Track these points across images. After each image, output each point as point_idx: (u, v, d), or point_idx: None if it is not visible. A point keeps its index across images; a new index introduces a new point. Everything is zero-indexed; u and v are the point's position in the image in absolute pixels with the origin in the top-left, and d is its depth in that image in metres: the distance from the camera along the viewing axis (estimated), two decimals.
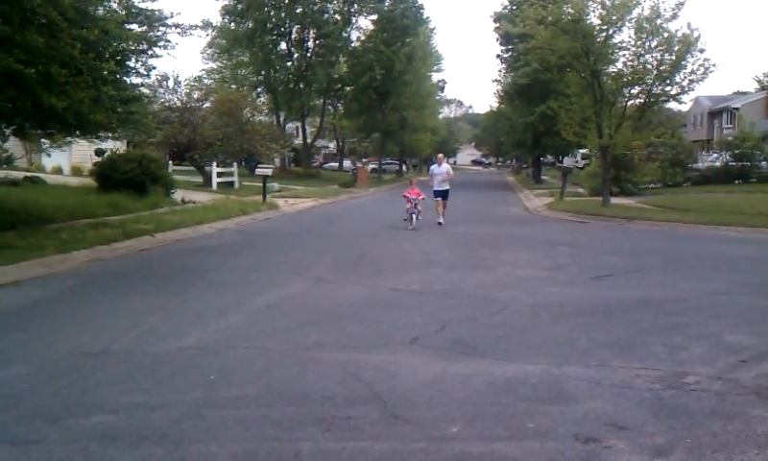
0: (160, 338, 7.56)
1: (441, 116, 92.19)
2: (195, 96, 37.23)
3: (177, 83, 36.61)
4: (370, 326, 8.28)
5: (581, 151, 59.63)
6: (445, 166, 22.29)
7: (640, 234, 19.07)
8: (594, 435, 4.83)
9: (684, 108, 57.96)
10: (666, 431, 4.92)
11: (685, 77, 25.96)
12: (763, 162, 39.67)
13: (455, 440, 4.78)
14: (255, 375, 6.30)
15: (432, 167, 23.38)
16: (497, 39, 56.79)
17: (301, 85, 55.88)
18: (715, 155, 44.08)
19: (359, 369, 6.39)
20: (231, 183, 35.27)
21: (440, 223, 20.71)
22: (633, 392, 5.80)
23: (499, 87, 60.47)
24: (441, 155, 24.40)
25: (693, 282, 11.17)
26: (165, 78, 35.46)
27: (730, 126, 56.24)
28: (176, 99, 36.34)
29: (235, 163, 37.75)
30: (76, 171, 35.00)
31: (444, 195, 21.54)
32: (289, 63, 56.25)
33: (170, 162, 34.63)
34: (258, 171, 30.58)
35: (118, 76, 16.10)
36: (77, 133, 17.47)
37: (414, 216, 19.84)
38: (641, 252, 15.04)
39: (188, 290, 10.43)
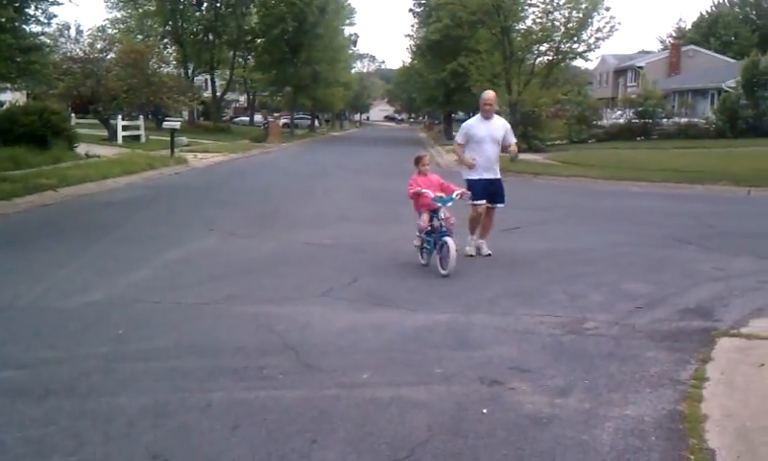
0: (67, 293, 7.40)
1: (353, 71, 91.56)
2: (98, 46, 35.89)
3: (79, 32, 35.23)
4: (283, 279, 8.32)
5: None
6: (501, 123, 10.21)
7: (547, 189, 19.63)
8: (498, 378, 5.04)
9: (591, 66, 59.38)
10: (566, 373, 5.19)
11: (592, 34, 26.73)
12: (664, 120, 41.21)
13: (366, 386, 4.92)
14: (166, 328, 6.27)
15: (469, 123, 10.30)
16: None
17: (211, 37, 54.51)
18: (619, 112, 45.48)
19: (271, 321, 6.44)
20: (138, 137, 34.24)
21: (482, 252, 9.83)
22: (535, 337, 6.06)
23: (412, 43, 60.58)
24: (490, 93, 10.15)
25: (596, 234, 11.63)
26: (66, 27, 34.08)
27: (634, 84, 58.01)
28: (78, 49, 34.95)
29: (141, 116, 36.66)
30: None
31: (494, 192, 9.96)
32: (198, 13, 54.71)
33: (73, 115, 33.33)
34: (166, 124, 29.91)
35: (17, 23, 15.37)
36: None
37: (441, 245, 8.47)
38: (548, 206, 15.51)
39: (95, 245, 10.19)
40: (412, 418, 4.38)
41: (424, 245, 8.86)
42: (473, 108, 56.66)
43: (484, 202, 9.78)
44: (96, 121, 35.56)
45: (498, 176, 10.01)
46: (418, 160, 9.29)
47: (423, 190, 8.72)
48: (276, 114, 65.82)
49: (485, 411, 4.47)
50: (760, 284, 8.05)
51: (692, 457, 3.88)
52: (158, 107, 39.92)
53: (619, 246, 10.62)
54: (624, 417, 4.42)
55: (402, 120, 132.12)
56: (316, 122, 75.77)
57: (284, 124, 60.61)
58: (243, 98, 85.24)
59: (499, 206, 10.03)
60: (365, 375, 5.12)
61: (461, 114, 66.62)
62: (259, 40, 57.56)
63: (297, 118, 67.42)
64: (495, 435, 4.16)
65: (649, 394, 4.84)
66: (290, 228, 12.10)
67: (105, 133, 33.78)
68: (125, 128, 33.24)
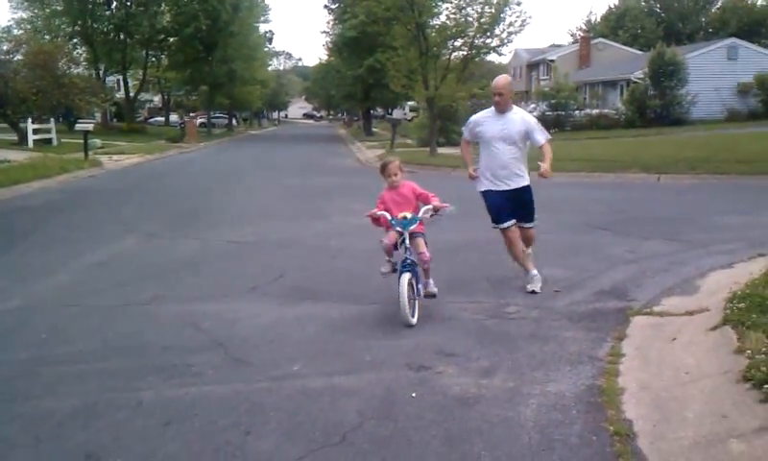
0: None
1: (270, 69, 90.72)
2: (4, 48, 34.61)
3: None
4: (207, 277, 8.28)
5: (409, 103, 61.03)
6: (520, 117, 7.38)
7: (466, 182, 19.89)
8: (426, 363, 5.18)
9: (505, 60, 60.83)
10: (490, 355, 5.37)
11: (504, 29, 27.19)
12: (576, 111, 42.39)
13: (296, 377, 4.98)
14: (90, 331, 6.18)
15: (477, 118, 7.70)
16: None
17: (122, 36, 53.25)
18: (533, 105, 46.52)
19: (198, 319, 6.43)
20: (49, 141, 33.22)
21: (532, 290, 7.27)
22: (460, 323, 6.24)
23: (328, 40, 60.38)
24: (501, 79, 7.40)
25: None
26: None
27: (546, 77, 59.41)
28: None
29: (53, 119, 35.56)
30: None
31: (517, 206, 7.51)
32: (108, 12, 53.35)
33: None
34: (79, 126, 29.11)
35: None
36: None
37: (408, 276, 6.16)
38: (467, 198, 15.74)
39: (10, 251, 9.92)
40: (343, 405, 4.47)
41: (386, 271, 6.63)
42: (392, 103, 57.25)
43: (511, 223, 7.42)
44: (5, 125, 34.32)
45: (520, 184, 7.39)
46: (383, 169, 6.72)
47: (379, 213, 6.54)
48: (192, 114, 64.65)
49: (414, 395, 4.59)
50: (670, 265, 8.43)
51: (611, 428, 4.09)
52: (70, 109, 38.75)
53: (538, 233, 10.91)
54: (546, 393, 4.62)
55: (321, 117, 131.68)
56: (234, 121, 74.81)
57: (201, 123, 59.73)
58: (157, 98, 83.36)
59: (526, 225, 7.55)
60: (295, 366, 5.18)
61: (379, 110, 67.06)
62: (172, 39, 56.44)
63: (214, 117, 66.43)
64: (425, 417, 4.29)
65: (569, 371, 5.05)
66: (212, 227, 12.00)
67: (15, 137, 32.66)
68: (36, 131, 32.21)
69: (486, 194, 7.60)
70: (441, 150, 28.90)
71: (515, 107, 7.43)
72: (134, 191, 18.18)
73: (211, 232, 11.39)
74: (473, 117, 7.76)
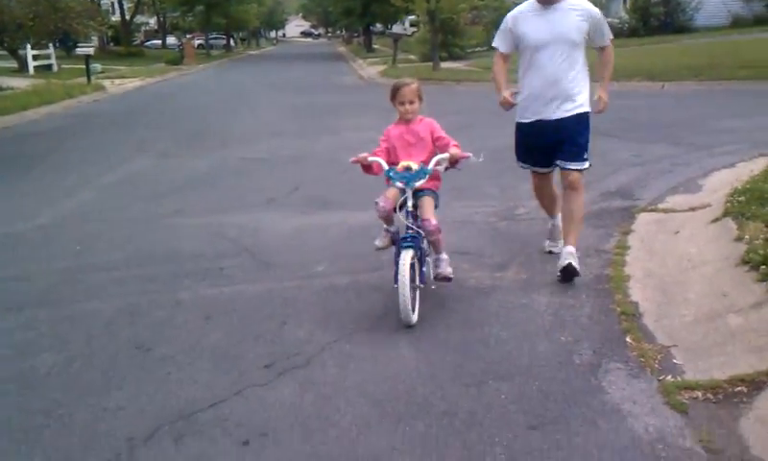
0: (12, 219, 7.55)
1: None
2: None
3: None
4: (225, 192, 8.58)
5: (410, 17, 60.18)
6: (575, 9, 4.96)
7: (469, 95, 20.00)
8: None
9: None
10: (503, 252, 5.68)
11: None
12: None
13: (323, 276, 5.31)
14: (120, 242, 6.51)
15: (513, 14, 5.17)
16: None
17: None
18: None
19: (222, 229, 6.74)
20: (49, 67, 33.14)
21: (559, 263, 4.92)
22: (472, 225, 6.56)
23: None
24: None
25: None
26: None
27: None
28: None
29: (51, 45, 35.31)
30: None
31: (559, 139, 5.13)
32: None
33: None
34: (79, 50, 28.98)
35: None
36: None
37: (411, 254, 4.33)
38: (471, 110, 15.89)
39: (29, 174, 10.19)
40: (369, 298, 4.82)
41: (381, 245, 4.86)
42: (392, 18, 56.36)
43: (544, 171, 5.43)
44: (3, 52, 34.14)
45: (572, 112, 5.20)
46: (394, 94, 4.76)
47: (371, 159, 4.60)
48: (189, 35, 63.81)
49: (434, 287, 4.90)
50: (674, 166, 8.69)
51: (619, 309, 4.41)
52: (67, 34, 38.39)
53: None
54: (557, 283, 4.93)
55: (320, 35, 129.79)
56: (231, 42, 73.94)
57: (199, 45, 59.10)
58: (153, 20, 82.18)
59: (571, 166, 5.13)
60: (320, 267, 5.50)
61: (379, 26, 66.13)
62: None
63: (211, 39, 65.67)
64: (445, 305, 4.62)
65: (578, 263, 5.34)
66: (223, 145, 12.21)
67: (14, 64, 32.55)
68: (35, 57, 32.10)
69: (517, 126, 5.37)
70: (443, 64, 28.83)
71: None
72: (141, 114, 18.32)
73: (223, 150, 11.62)
74: (508, 15, 5.28)
